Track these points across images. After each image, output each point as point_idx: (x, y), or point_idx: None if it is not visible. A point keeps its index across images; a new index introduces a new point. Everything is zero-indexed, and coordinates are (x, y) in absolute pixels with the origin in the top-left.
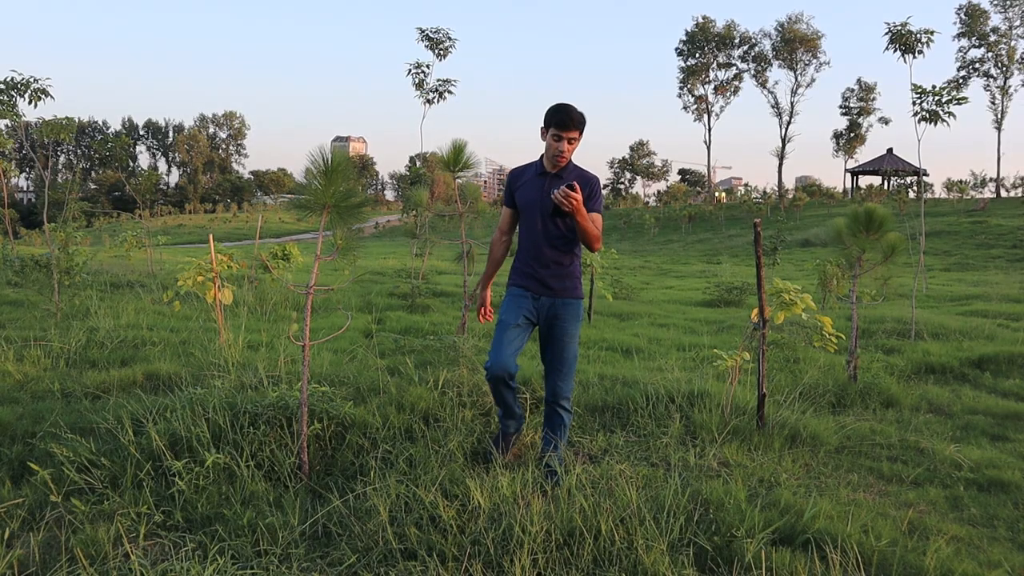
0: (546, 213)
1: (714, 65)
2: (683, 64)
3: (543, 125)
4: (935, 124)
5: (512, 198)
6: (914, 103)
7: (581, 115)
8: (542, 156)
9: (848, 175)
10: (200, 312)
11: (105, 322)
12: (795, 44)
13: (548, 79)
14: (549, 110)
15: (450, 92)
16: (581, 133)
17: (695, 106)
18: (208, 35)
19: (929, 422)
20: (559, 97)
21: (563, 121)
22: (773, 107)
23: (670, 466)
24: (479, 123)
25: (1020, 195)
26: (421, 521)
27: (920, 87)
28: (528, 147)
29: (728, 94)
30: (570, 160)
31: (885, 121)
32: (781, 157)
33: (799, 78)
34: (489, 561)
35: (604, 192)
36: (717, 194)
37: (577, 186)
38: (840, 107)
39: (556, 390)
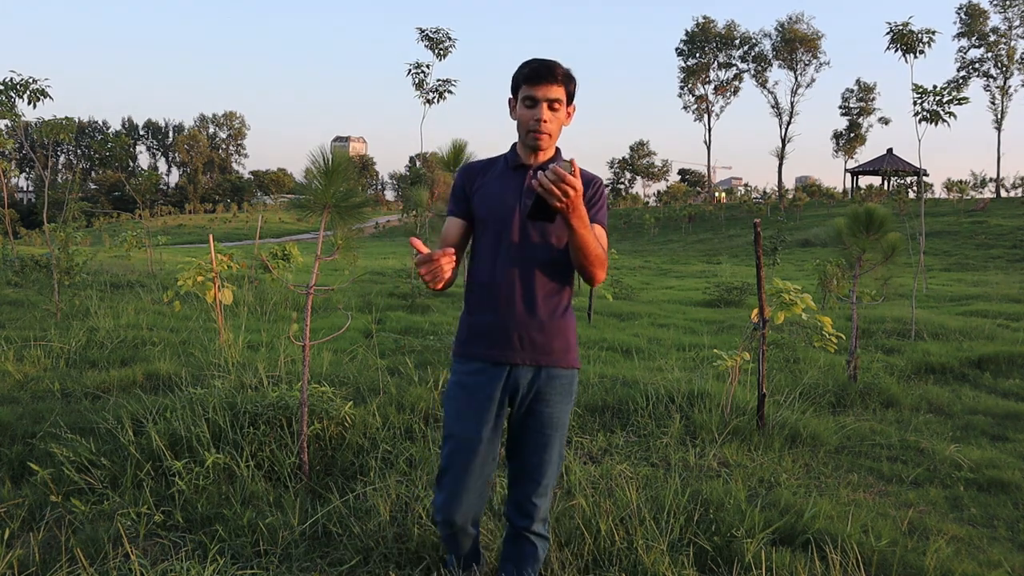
0: (524, 218)
1: (714, 65)
2: (683, 64)
3: (511, 94)
4: (935, 124)
5: (466, 204)
6: (915, 103)
7: (566, 69)
8: (514, 145)
9: (848, 175)
10: (200, 312)
11: (105, 322)
12: (795, 44)
13: None
14: (517, 68)
15: (450, 92)
16: (570, 94)
17: (695, 106)
18: (208, 35)
19: (929, 422)
20: None
21: (537, 72)
22: (773, 107)
23: (670, 466)
24: (480, 122)
25: (1020, 195)
26: (421, 521)
27: (921, 87)
28: None
29: (728, 94)
30: (557, 147)
31: (885, 121)
32: (781, 157)
33: (799, 78)
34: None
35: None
36: (717, 194)
37: (576, 167)
38: (840, 107)
39: (527, 509)
